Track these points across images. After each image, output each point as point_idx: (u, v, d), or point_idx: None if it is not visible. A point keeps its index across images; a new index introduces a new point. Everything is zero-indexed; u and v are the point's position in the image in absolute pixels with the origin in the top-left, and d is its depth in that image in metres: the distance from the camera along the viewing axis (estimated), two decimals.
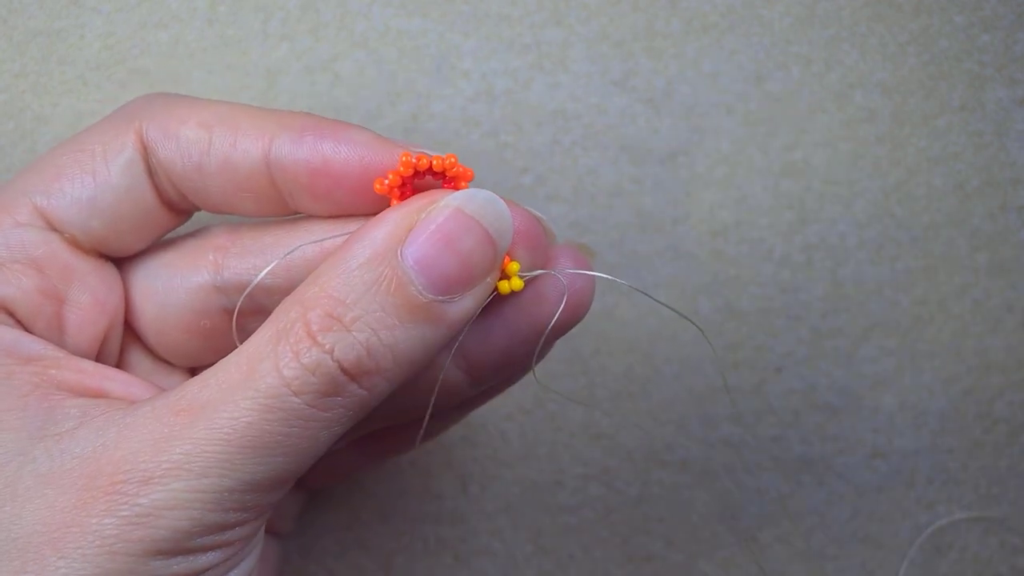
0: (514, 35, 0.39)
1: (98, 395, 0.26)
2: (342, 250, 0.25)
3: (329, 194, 0.27)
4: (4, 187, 0.28)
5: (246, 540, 0.25)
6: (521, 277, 0.27)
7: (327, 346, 0.24)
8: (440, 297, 0.25)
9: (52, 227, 0.28)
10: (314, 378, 0.24)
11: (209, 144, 0.27)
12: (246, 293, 0.28)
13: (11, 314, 0.27)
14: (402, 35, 0.39)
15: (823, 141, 0.39)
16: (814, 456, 0.40)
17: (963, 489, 0.41)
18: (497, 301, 0.27)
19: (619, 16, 0.39)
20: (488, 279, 0.26)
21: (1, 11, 0.38)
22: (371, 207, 0.27)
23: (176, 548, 0.24)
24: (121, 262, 0.30)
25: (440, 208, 0.25)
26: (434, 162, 0.27)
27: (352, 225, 0.28)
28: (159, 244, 0.30)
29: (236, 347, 0.25)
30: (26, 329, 0.27)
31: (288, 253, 0.28)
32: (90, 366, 0.27)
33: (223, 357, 0.25)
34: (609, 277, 0.29)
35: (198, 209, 0.30)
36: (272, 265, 0.28)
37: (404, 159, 0.27)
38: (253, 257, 0.29)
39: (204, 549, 0.24)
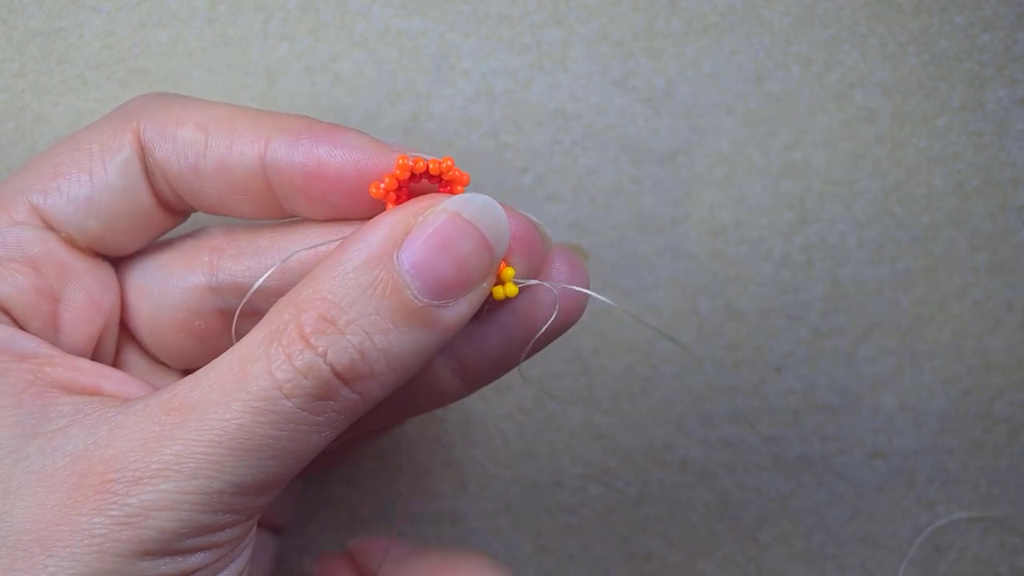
0: (514, 35, 0.39)
1: (93, 393, 0.26)
2: (338, 252, 0.25)
3: (324, 197, 0.27)
4: (1, 185, 0.28)
5: (236, 541, 0.25)
6: (515, 284, 0.27)
7: (320, 349, 0.24)
8: (435, 301, 0.25)
9: (49, 226, 0.28)
10: (306, 381, 0.24)
11: (205, 146, 0.27)
12: (246, 299, 0.28)
13: (6, 312, 0.27)
14: (402, 35, 0.39)
15: (823, 141, 0.39)
16: (814, 456, 0.40)
17: (963, 489, 0.41)
18: (491, 306, 0.27)
19: (619, 16, 0.39)
20: (484, 284, 0.26)
21: (1, 11, 0.38)
22: (366, 211, 0.27)
23: (165, 549, 0.24)
24: (117, 262, 0.30)
25: (437, 212, 0.25)
26: (431, 165, 0.27)
27: (347, 229, 0.28)
28: (155, 245, 0.30)
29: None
30: (21, 327, 0.27)
31: (285, 259, 0.28)
32: (85, 364, 0.27)
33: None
34: (603, 299, 0.29)
35: (194, 210, 0.30)
36: (271, 271, 0.28)
37: (400, 162, 0.26)
38: (248, 259, 0.29)
39: (193, 550, 0.24)
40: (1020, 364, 0.40)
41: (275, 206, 0.28)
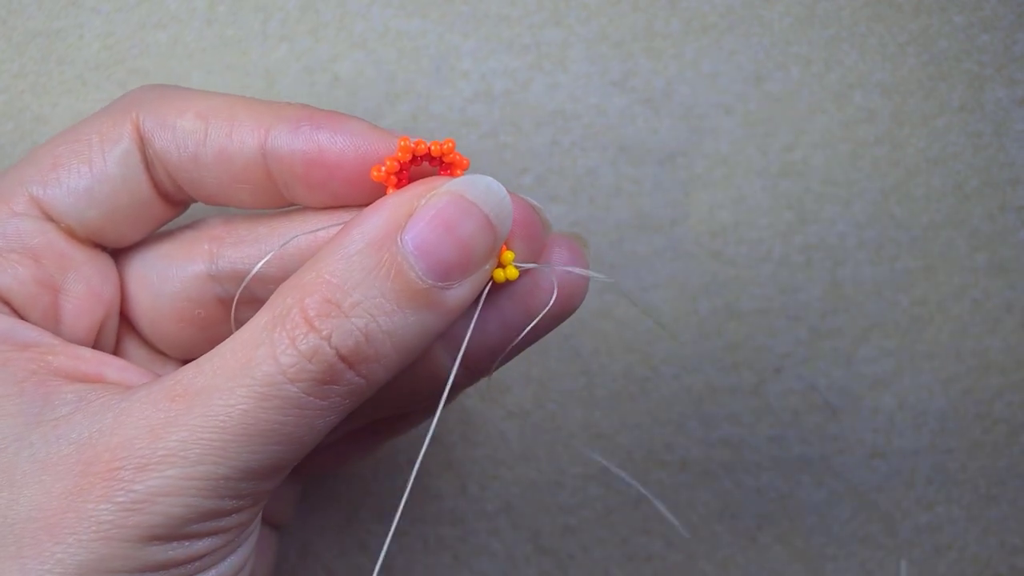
0: (513, 36, 0.39)
1: (95, 381, 0.26)
2: (340, 236, 0.25)
3: (325, 184, 0.27)
4: (1, 177, 0.28)
5: (242, 527, 0.25)
6: (516, 267, 0.27)
7: (324, 332, 0.24)
8: (439, 283, 0.25)
9: (49, 217, 0.28)
10: (311, 365, 0.24)
11: (205, 135, 0.27)
12: (244, 284, 0.28)
13: (7, 303, 0.27)
14: (401, 36, 0.39)
15: (822, 141, 0.39)
16: (813, 456, 0.40)
17: (962, 489, 0.41)
18: (492, 290, 0.27)
19: (618, 16, 0.39)
20: (487, 265, 0.26)
21: (0, 11, 0.38)
22: (366, 197, 0.27)
23: (172, 534, 0.24)
24: (117, 252, 0.30)
25: (440, 194, 0.25)
26: (432, 147, 0.27)
27: (347, 216, 0.28)
28: (155, 235, 0.30)
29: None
30: (22, 318, 0.28)
31: (285, 243, 0.28)
32: (87, 352, 0.27)
33: None
34: (602, 277, 0.29)
35: (194, 200, 0.30)
36: (269, 255, 0.28)
37: (403, 144, 0.27)
38: (248, 246, 0.29)
39: (200, 535, 0.24)
40: (1019, 364, 0.40)
41: (275, 195, 0.28)
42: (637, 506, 0.40)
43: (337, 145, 0.27)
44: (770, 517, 0.40)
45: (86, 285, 0.28)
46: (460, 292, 0.26)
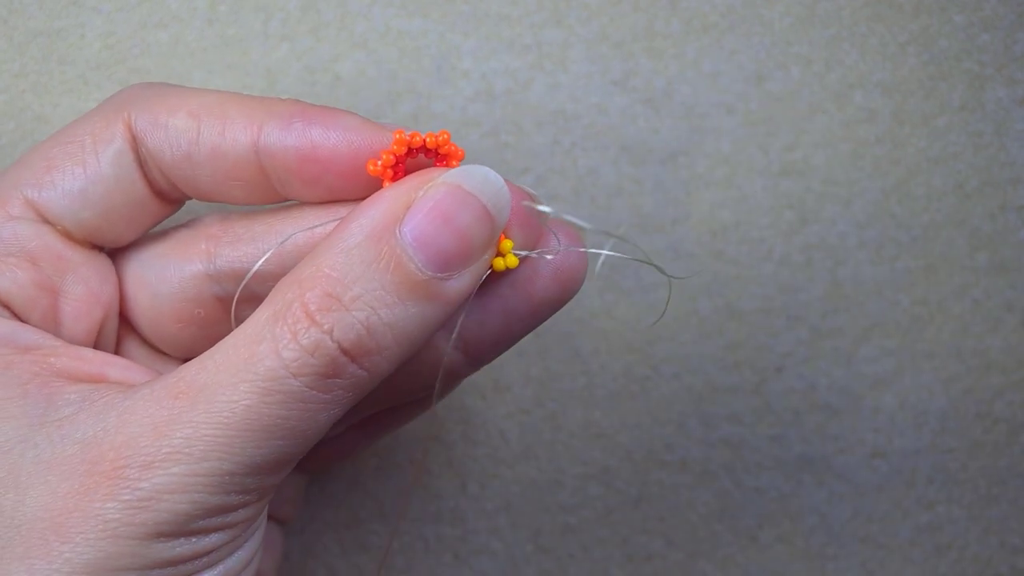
0: (514, 35, 0.39)
1: (98, 380, 0.26)
2: (339, 229, 0.25)
3: (319, 180, 0.27)
4: None
5: (249, 522, 0.25)
6: (515, 255, 0.27)
7: (326, 326, 0.24)
8: (439, 274, 0.25)
9: (45, 219, 0.28)
10: (313, 359, 0.24)
11: (198, 133, 0.27)
12: (244, 282, 0.28)
13: (7, 307, 0.27)
14: (402, 35, 0.39)
15: (823, 141, 0.39)
16: (814, 456, 0.40)
17: (963, 489, 0.41)
18: (491, 279, 0.27)
19: (619, 16, 0.39)
20: (486, 255, 0.26)
21: (1, 11, 0.38)
22: (362, 191, 0.27)
23: (178, 531, 0.24)
24: (114, 253, 0.30)
25: (438, 185, 0.25)
26: (427, 139, 0.27)
27: (343, 210, 0.28)
28: (152, 235, 0.30)
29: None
30: (22, 322, 0.28)
31: (282, 242, 0.28)
32: (89, 353, 0.27)
33: None
34: (605, 252, 0.29)
35: (189, 198, 0.30)
36: (268, 255, 0.28)
37: (398, 137, 0.27)
38: (245, 245, 0.29)
39: (207, 531, 0.24)
40: (1020, 364, 0.40)
41: (269, 191, 0.28)
42: (637, 506, 0.40)
43: (330, 140, 0.27)
44: (771, 517, 0.40)
45: (85, 286, 0.28)
46: (460, 283, 0.26)
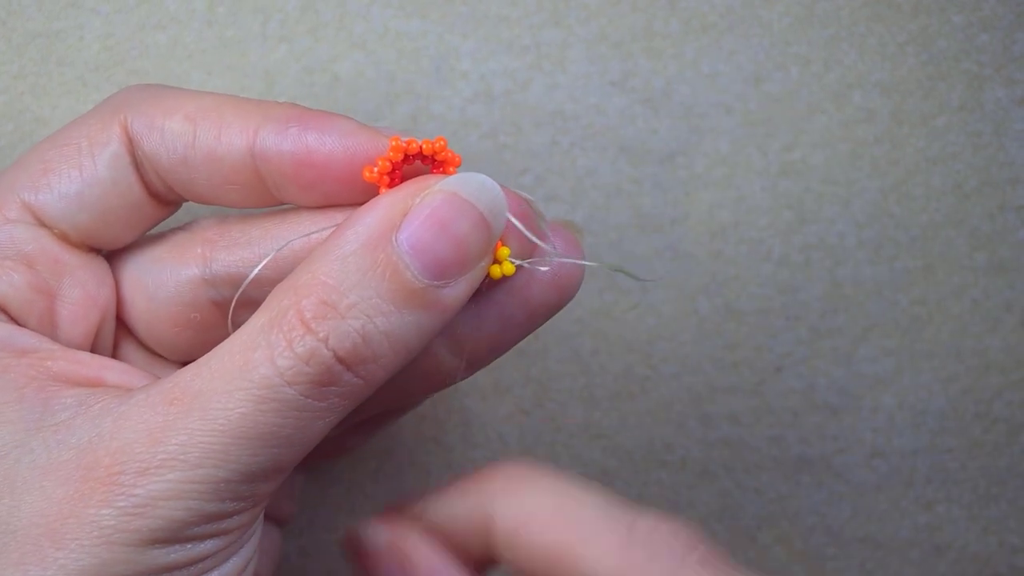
0: (513, 36, 0.39)
1: (95, 384, 0.26)
2: (335, 236, 0.25)
3: (315, 185, 0.27)
4: None
5: (244, 528, 0.25)
6: (512, 262, 0.27)
7: (322, 334, 0.24)
8: (435, 282, 0.25)
9: (41, 223, 0.28)
10: (308, 368, 0.24)
11: (194, 137, 0.27)
12: (241, 289, 0.28)
13: (3, 310, 0.27)
14: (401, 36, 0.39)
15: (822, 141, 0.39)
16: (813, 456, 0.40)
17: (962, 489, 0.41)
18: (487, 286, 0.27)
19: (618, 17, 0.39)
20: (482, 263, 0.26)
21: (0, 13, 0.38)
22: (358, 197, 0.27)
23: (174, 537, 0.24)
24: (111, 256, 0.30)
25: (434, 192, 0.25)
26: (424, 146, 0.27)
27: (340, 215, 0.28)
28: (148, 238, 0.30)
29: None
30: (19, 325, 0.28)
31: (279, 249, 0.28)
32: (86, 356, 0.27)
33: None
34: (596, 264, 0.29)
35: (186, 200, 0.30)
36: (264, 262, 0.28)
37: (394, 143, 0.26)
38: (241, 249, 0.29)
39: (202, 537, 0.24)
40: (1019, 364, 0.40)
41: (266, 194, 0.28)
42: (637, 506, 0.40)
43: (326, 146, 0.27)
44: (770, 517, 0.40)
45: (81, 290, 0.28)
46: (456, 290, 0.25)
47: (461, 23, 0.39)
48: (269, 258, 0.28)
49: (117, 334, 0.30)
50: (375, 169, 0.26)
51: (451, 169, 0.27)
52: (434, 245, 0.25)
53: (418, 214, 0.25)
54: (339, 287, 0.24)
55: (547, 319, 0.29)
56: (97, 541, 0.23)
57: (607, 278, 0.39)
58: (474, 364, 0.29)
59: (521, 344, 0.30)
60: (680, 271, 0.39)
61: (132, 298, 0.30)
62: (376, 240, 0.25)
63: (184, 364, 0.30)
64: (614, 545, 0.28)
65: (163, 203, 0.30)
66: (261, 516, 0.27)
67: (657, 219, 0.39)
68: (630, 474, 0.40)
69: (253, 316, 0.25)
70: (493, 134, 0.39)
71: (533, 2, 0.39)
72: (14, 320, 0.28)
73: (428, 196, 0.25)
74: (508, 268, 0.27)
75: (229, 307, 0.29)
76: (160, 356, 0.31)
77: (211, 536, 0.25)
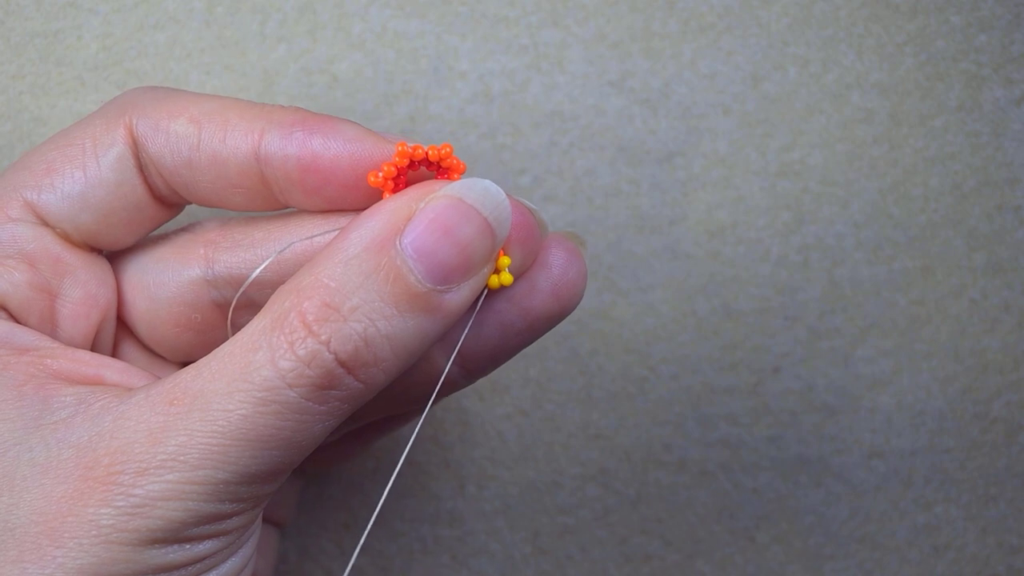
0: (511, 36, 0.39)
1: (95, 383, 0.26)
2: (339, 239, 0.25)
3: (319, 189, 0.27)
4: None
5: (243, 529, 0.25)
6: (510, 273, 0.27)
7: (323, 337, 0.24)
8: (438, 287, 0.25)
9: (43, 222, 0.28)
10: (310, 370, 0.24)
11: (199, 140, 0.27)
12: (241, 290, 0.28)
13: (4, 308, 0.27)
14: (399, 36, 0.39)
15: (820, 142, 0.39)
16: (812, 456, 0.40)
17: (960, 489, 0.41)
18: (489, 294, 0.27)
19: (616, 17, 0.39)
20: (486, 268, 0.26)
21: None
22: (362, 201, 0.27)
23: (172, 537, 0.24)
24: (113, 256, 0.30)
25: (439, 197, 0.25)
26: (430, 152, 0.27)
27: (343, 220, 0.28)
28: (150, 239, 0.30)
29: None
30: (19, 323, 0.28)
31: (281, 251, 0.28)
32: (86, 355, 0.27)
33: None
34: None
35: (189, 203, 0.30)
36: (266, 262, 0.28)
37: (400, 149, 0.26)
38: (243, 251, 0.29)
39: (201, 538, 0.24)
40: (1017, 364, 0.40)
41: (270, 198, 0.28)
42: (635, 506, 0.40)
43: (331, 151, 0.27)
44: (768, 517, 0.40)
45: (82, 289, 0.28)
46: (459, 296, 0.25)
47: (459, 23, 0.39)
48: (271, 259, 0.28)
49: (118, 334, 0.30)
50: (380, 174, 0.26)
51: (456, 176, 0.27)
52: (438, 249, 0.25)
53: (422, 218, 0.25)
54: (342, 290, 0.24)
55: (548, 329, 0.29)
56: (96, 540, 0.23)
57: (605, 279, 0.39)
58: (473, 372, 0.29)
59: None
60: (678, 271, 0.39)
61: (133, 298, 0.30)
62: (380, 243, 0.25)
63: (184, 365, 0.30)
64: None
65: (166, 205, 0.30)
66: (260, 518, 0.27)
67: (655, 219, 0.39)
68: (628, 474, 0.40)
69: (255, 318, 0.25)
70: (491, 134, 0.39)
71: (531, 2, 0.39)
72: (14, 318, 0.28)
73: (432, 201, 0.25)
74: (506, 278, 0.27)
75: (230, 309, 0.29)
76: (160, 356, 0.31)
77: (210, 537, 0.25)
